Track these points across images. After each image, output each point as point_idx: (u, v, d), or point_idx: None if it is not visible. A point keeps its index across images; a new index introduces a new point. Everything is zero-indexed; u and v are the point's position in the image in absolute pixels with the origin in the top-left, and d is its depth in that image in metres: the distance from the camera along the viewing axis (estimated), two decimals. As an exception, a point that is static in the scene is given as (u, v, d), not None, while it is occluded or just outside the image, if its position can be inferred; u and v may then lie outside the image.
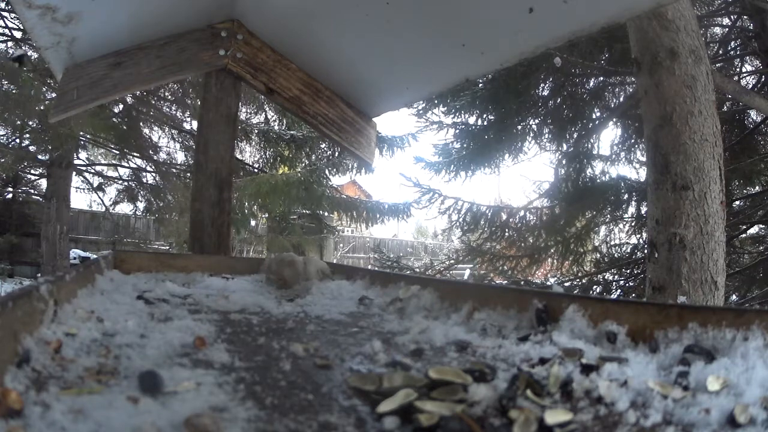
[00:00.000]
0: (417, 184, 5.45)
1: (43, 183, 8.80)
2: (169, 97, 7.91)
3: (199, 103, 2.85)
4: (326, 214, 9.36)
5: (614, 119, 5.58)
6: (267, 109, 8.60)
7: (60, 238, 7.88)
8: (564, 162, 5.55)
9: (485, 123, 5.61)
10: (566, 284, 5.43)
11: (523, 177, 6.79)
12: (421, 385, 0.47)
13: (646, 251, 3.80)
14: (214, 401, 0.43)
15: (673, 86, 2.88)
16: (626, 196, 5.28)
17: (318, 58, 1.93)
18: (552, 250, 5.46)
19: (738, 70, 5.47)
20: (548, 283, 5.87)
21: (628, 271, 5.39)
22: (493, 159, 5.81)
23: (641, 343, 0.62)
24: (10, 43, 7.37)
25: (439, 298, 0.93)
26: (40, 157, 8.05)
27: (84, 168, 8.89)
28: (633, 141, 5.59)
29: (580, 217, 5.50)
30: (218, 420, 0.38)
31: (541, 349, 0.62)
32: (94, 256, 2.40)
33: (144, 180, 8.74)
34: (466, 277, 7.51)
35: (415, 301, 0.94)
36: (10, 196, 9.78)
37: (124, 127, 7.54)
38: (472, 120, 5.74)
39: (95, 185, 9.13)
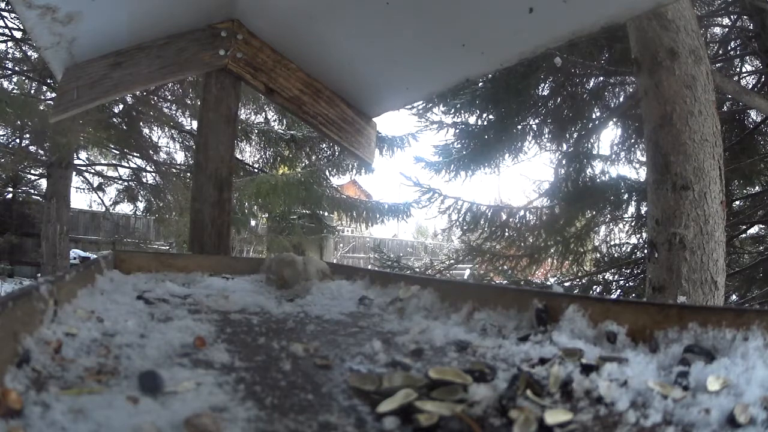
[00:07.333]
0: (417, 184, 5.44)
1: (43, 183, 8.79)
2: (169, 97, 7.91)
3: (199, 103, 2.85)
4: (326, 214, 9.36)
5: (614, 119, 5.57)
6: (267, 109, 8.60)
7: (60, 238, 7.87)
8: (564, 162, 5.55)
9: (485, 123, 5.61)
10: (566, 284, 5.43)
11: (523, 177, 6.79)
12: (421, 385, 0.47)
13: (646, 251, 3.80)
14: (214, 401, 0.43)
15: (673, 86, 2.88)
16: (626, 196, 5.28)
17: (318, 58, 1.93)
18: (552, 250, 5.46)
19: (738, 70, 5.46)
20: (548, 283, 5.87)
21: (628, 271, 5.39)
22: (493, 159, 5.81)
23: (641, 343, 0.62)
24: (10, 43, 7.38)
25: (439, 298, 0.93)
26: (40, 157, 8.04)
27: (84, 168, 8.89)
28: (633, 141, 5.59)
29: (580, 217, 5.50)
30: (218, 420, 0.38)
31: (541, 349, 0.62)
32: (94, 256, 2.40)
33: (144, 180, 8.74)
34: (466, 277, 7.51)
35: (415, 301, 0.94)
36: (10, 196, 9.78)
37: (124, 127, 7.54)
38: (472, 120, 5.74)
39: (95, 185, 9.12)
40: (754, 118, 5.22)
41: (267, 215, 8.68)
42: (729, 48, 5.47)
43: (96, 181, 9.15)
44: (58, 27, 1.53)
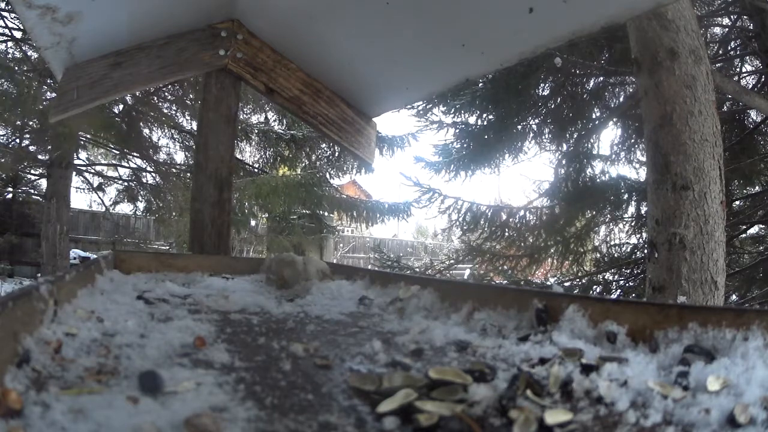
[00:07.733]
0: (417, 184, 5.44)
1: (43, 183, 8.77)
2: (169, 97, 7.91)
3: (199, 103, 2.86)
4: (326, 214, 9.37)
5: (614, 119, 5.58)
6: (267, 109, 8.60)
7: (60, 238, 7.87)
8: (564, 162, 5.55)
9: (485, 123, 5.61)
10: (566, 284, 5.43)
11: (523, 177, 6.79)
12: (421, 385, 0.47)
13: (646, 251, 3.80)
14: (214, 401, 0.43)
15: (673, 86, 2.88)
16: (626, 196, 5.28)
17: (318, 58, 1.93)
18: (552, 250, 5.46)
19: (738, 70, 5.46)
20: (548, 283, 5.87)
21: (628, 271, 5.39)
22: (493, 159, 5.81)
23: (641, 343, 0.62)
24: (10, 43, 7.37)
25: (439, 298, 0.93)
26: (40, 157, 8.04)
27: (84, 168, 8.88)
28: (633, 141, 5.59)
29: (580, 217, 5.50)
30: (218, 420, 0.38)
31: (541, 349, 0.62)
32: (94, 256, 2.40)
33: (144, 180, 8.74)
34: (466, 277, 7.50)
35: (415, 301, 0.94)
36: (10, 196, 9.77)
37: (124, 127, 7.54)
38: (472, 120, 5.74)
39: (95, 185, 9.12)
40: (754, 118, 5.22)
41: (267, 215, 8.69)
42: (729, 48, 5.47)
43: (96, 181, 9.15)
44: (58, 27, 1.54)
